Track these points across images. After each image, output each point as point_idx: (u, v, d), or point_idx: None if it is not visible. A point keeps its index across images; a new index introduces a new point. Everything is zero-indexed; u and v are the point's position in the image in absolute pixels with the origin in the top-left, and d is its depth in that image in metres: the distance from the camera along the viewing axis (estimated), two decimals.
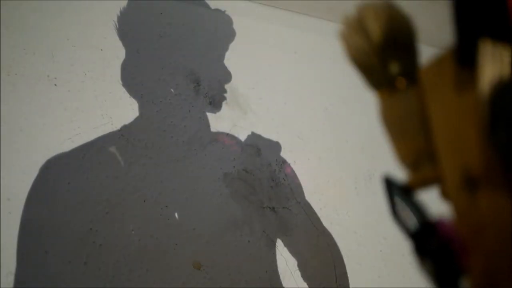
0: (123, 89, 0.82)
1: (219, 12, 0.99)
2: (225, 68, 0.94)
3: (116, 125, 0.78)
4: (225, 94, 0.93)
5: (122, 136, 0.77)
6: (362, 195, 0.99)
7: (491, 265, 0.16)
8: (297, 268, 0.82)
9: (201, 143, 0.85)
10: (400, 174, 0.24)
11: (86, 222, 0.68)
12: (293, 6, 1.14)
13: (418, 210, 0.21)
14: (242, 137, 0.90)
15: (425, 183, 0.21)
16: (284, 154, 0.93)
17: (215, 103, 0.91)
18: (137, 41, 0.87)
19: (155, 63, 0.88)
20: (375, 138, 1.06)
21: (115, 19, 0.85)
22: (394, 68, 0.23)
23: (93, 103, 0.77)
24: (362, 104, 1.10)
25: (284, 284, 0.79)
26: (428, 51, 0.24)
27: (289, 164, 0.93)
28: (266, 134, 0.93)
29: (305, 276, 0.82)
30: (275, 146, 0.93)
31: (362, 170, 1.03)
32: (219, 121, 0.90)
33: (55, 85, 0.75)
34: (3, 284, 0.60)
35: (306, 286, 0.81)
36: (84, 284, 0.64)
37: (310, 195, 0.91)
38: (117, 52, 0.84)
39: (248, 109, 0.95)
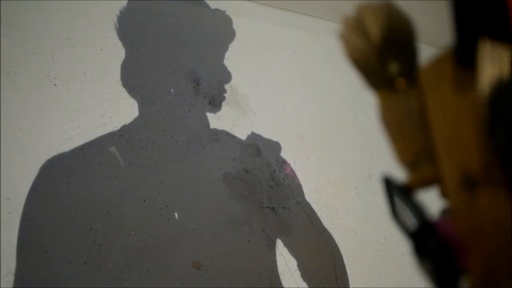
0: (123, 89, 0.82)
1: (219, 12, 0.99)
2: (225, 68, 0.94)
3: (116, 125, 0.78)
4: (225, 94, 0.93)
5: (122, 136, 0.77)
6: (362, 195, 0.99)
7: (491, 265, 0.16)
8: (297, 268, 0.82)
9: (201, 143, 0.85)
10: (400, 174, 0.24)
11: (86, 222, 0.68)
12: (293, 6, 1.14)
13: (417, 210, 0.21)
14: (242, 137, 0.90)
15: (424, 183, 0.21)
16: (284, 154, 0.93)
17: (215, 103, 0.91)
18: (137, 41, 0.87)
19: (155, 63, 0.88)
20: (375, 138, 1.06)
21: (115, 19, 0.85)
22: (394, 68, 0.23)
23: (93, 103, 0.77)
24: (362, 104, 1.10)
25: (284, 284, 0.79)
26: (428, 51, 0.24)
27: (289, 164, 0.93)
28: (266, 134, 0.93)
29: (305, 276, 0.81)
30: (275, 146, 0.93)
31: (362, 170, 1.03)
32: (219, 121, 0.90)
33: (55, 85, 0.75)
34: (3, 284, 0.60)
35: (306, 286, 0.81)
36: (84, 284, 0.64)
37: (310, 195, 0.91)
38: (117, 52, 0.84)
39: (248, 109, 0.95)
